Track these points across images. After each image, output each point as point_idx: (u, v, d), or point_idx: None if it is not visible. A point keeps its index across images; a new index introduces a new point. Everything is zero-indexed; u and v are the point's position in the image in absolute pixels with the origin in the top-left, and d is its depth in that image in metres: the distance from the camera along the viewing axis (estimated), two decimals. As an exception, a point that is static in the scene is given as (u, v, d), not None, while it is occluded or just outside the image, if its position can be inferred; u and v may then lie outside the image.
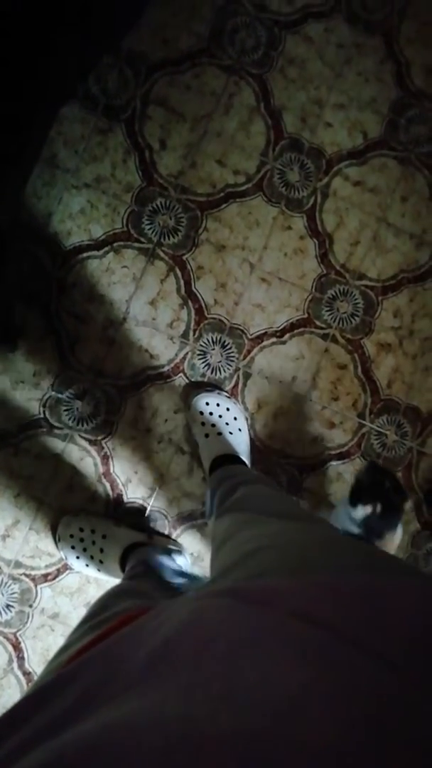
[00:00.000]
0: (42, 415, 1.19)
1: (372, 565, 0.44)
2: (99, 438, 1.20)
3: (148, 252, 1.20)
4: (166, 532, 1.21)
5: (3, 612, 1.20)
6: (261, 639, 0.27)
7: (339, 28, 1.24)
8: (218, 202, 1.22)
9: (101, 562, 1.12)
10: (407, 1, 1.26)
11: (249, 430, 1.20)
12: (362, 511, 0.98)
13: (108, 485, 1.20)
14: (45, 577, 1.20)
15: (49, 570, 1.20)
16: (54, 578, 1.20)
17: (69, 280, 1.18)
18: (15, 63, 0.73)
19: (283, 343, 1.23)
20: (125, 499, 1.20)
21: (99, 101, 1.19)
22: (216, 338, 1.22)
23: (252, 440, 1.20)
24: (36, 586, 1.20)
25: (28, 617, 1.21)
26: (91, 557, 1.14)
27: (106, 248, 1.19)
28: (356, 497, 0.98)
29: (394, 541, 1.04)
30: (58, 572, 1.20)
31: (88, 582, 1.21)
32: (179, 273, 1.21)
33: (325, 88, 1.23)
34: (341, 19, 1.24)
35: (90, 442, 1.20)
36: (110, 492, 1.20)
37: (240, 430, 1.16)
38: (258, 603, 0.31)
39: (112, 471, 1.20)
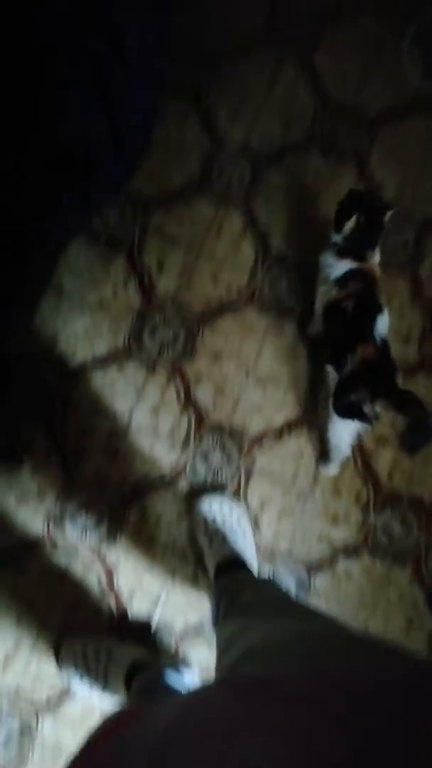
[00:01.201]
0: (46, 531, 1.21)
1: (364, 653, 0.46)
2: (103, 550, 1.21)
3: (149, 364, 1.28)
4: (173, 646, 1.18)
5: (2, 746, 1.14)
6: (251, 729, 0.29)
7: (313, 156, 1.40)
8: (213, 314, 1.32)
9: (105, 681, 1.08)
10: (376, 132, 1.42)
11: (253, 532, 1.20)
12: (348, 226, 1.09)
13: (112, 599, 1.20)
14: (47, 705, 1.16)
15: (51, 697, 1.16)
16: (56, 706, 1.16)
17: (74, 397, 1.26)
18: (24, 227, 0.85)
19: (282, 441, 1.27)
20: (130, 613, 1.19)
21: (101, 233, 1.33)
22: (216, 441, 1.26)
23: (257, 542, 1.21)
24: (37, 715, 1.15)
25: (28, 750, 1.14)
26: (95, 676, 1.09)
27: (109, 364, 1.28)
28: (339, 219, 1.11)
29: (375, 259, 1.14)
30: (60, 700, 1.16)
31: (91, 712, 1.16)
32: (179, 381, 1.28)
33: (306, 209, 1.37)
34: (317, 149, 1.40)
35: (94, 554, 1.21)
36: (115, 606, 1.20)
37: (244, 532, 1.17)
38: (248, 693, 0.33)
39: (116, 583, 1.20)
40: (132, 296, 1.31)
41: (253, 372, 1.29)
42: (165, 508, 1.22)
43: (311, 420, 1.27)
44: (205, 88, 1.44)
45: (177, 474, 1.24)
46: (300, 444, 1.26)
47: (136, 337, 1.29)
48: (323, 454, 1.24)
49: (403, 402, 0.95)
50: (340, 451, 1.18)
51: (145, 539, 1.21)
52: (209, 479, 1.24)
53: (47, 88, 0.89)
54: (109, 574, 1.20)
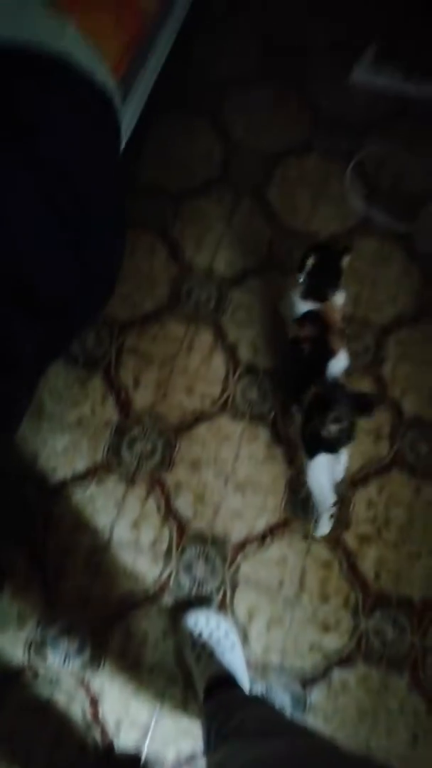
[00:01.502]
0: (27, 659, 1.16)
1: None
2: (86, 677, 1.16)
3: (128, 477, 1.31)
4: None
5: None
6: None
7: (274, 279, 1.53)
8: (189, 424, 1.37)
9: None
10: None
11: (242, 645, 1.17)
12: (308, 263, 1.22)
13: (98, 731, 1.13)
14: None
15: None
16: None
17: (54, 514, 1.27)
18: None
19: (266, 547, 1.26)
20: (117, 745, 1.12)
21: (79, 357, 1.41)
22: (199, 551, 1.26)
23: (247, 656, 1.17)
24: None
25: None
26: None
27: (89, 479, 1.30)
28: (301, 261, 1.24)
29: (338, 301, 1.25)
30: None
31: None
32: (158, 492, 1.30)
33: (269, 324, 1.47)
34: (276, 272, 1.53)
35: (77, 682, 1.16)
36: (100, 739, 1.12)
37: (233, 647, 1.14)
38: None
39: (101, 713, 1.14)
40: (110, 412, 1.36)
41: (231, 478, 1.32)
42: (150, 625, 1.19)
43: (292, 522, 1.28)
44: (170, 221, 1.61)
45: (161, 588, 1.22)
46: (283, 548, 1.26)
47: (114, 451, 1.33)
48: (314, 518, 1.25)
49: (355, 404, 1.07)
50: (324, 500, 1.19)
51: (130, 662, 1.16)
52: (194, 592, 1.22)
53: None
54: (94, 704, 1.14)
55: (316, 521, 1.25)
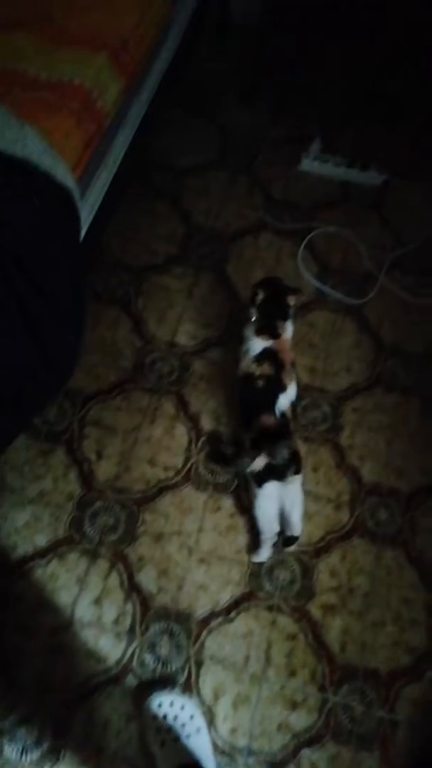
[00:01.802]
0: (-19, 753, 1.09)
1: None
2: (46, 770, 1.09)
3: (90, 552, 1.29)
4: None
5: None
6: None
7: (235, 350, 1.59)
8: (152, 496, 1.37)
9: None
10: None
11: (208, 727, 1.13)
12: (258, 298, 1.39)
13: None
14: None
15: None
16: None
17: (14, 593, 1.22)
18: None
19: (231, 621, 1.25)
20: None
21: (41, 430, 1.41)
22: (163, 627, 1.23)
23: (213, 738, 1.12)
24: None
25: None
26: None
27: (50, 555, 1.27)
28: (252, 297, 1.40)
29: (287, 334, 1.36)
30: None
31: None
32: (121, 567, 1.28)
33: (230, 393, 1.52)
34: (235, 343, 1.59)
35: (35, 776, 1.08)
36: None
37: (198, 730, 1.10)
38: None
39: None
40: (72, 485, 1.36)
41: (195, 550, 1.31)
42: (112, 709, 1.14)
43: (257, 593, 1.28)
44: (133, 296, 1.67)
45: (124, 668, 1.18)
46: (248, 621, 1.24)
47: (76, 525, 1.31)
48: (254, 542, 1.30)
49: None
50: (269, 530, 1.24)
51: (92, 751, 1.10)
52: (158, 671, 1.18)
53: None
54: (52, 804, 1.07)
55: (257, 548, 1.28)
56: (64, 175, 1.09)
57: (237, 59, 2.38)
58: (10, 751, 1.09)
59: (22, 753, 1.09)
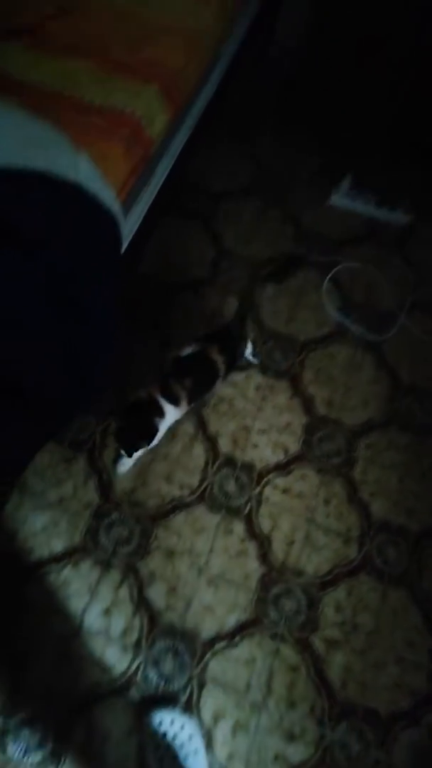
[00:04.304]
0: (-16, 753, 1.10)
1: None
2: (44, 778, 1.09)
3: (104, 563, 1.30)
4: None
5: None
6: None
7: (255, 375, 1.62)
8: (167, 513, 1.39)
9: None
10: (305, 355, 1.69)
11: (206, 750, 1.13)
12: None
13: None
14: None
15: None
16: None
17: (27, 595, 1.23)
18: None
19: (235, 645, 1.26)
20: None
21: (65, 437, 1.43)
22: (169, 645, 1.24)
23: (210, 762, 1.13)
24: None
25: None
26: None
27: (65, 561, 1.29)
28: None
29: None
30: None
31: None
32: (132, 580, 1.29)
33: (250, 418, 1.54)
34: (256, 368, 1.62)
35: (34, 782, 1.09)
36: None
37: (196, 752, 1.10)
38: None
39: None
40: (91, 494, 1.37)
41: (205, 571, 1.33)
42: (114, 721, 1.14)
43: (262, 620, 1.29)
44: (161, 314, 1.70)
45: (128, 681, 1.19)
46: (252, 648, 1.25)
47: (92, 534, 1.33)
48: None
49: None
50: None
51: (91, 760, 1.10)
52: (161, 688, 1.19)
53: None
54: (48, 810, 1.07)
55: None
56: (110, 200, 1.13)
57: (276, 90, 2.45)
58: (13, 750, 1.10)
59: (24, 753, 1.09)
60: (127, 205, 1.31)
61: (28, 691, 1.15)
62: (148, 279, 1.78)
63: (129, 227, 1.38)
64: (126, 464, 1.38)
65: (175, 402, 1.28)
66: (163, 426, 1.27)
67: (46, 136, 1.00)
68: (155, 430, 1.25)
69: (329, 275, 1.89)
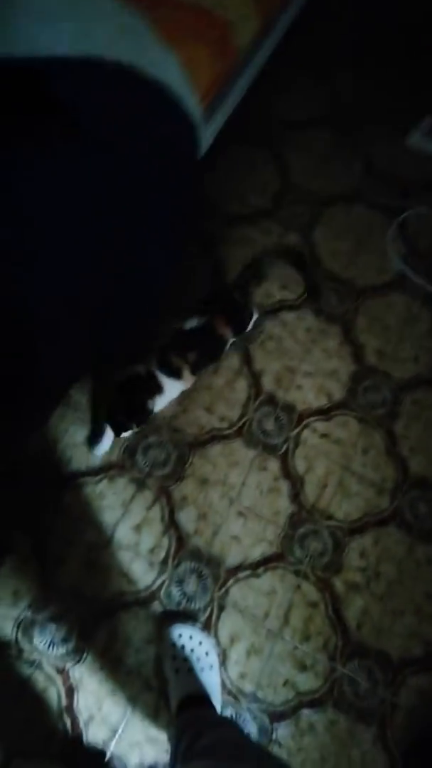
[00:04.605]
0: (14, 637, 1.17)
1: None
2: (67, 666, 1.16)
3: (139, 481, 1.33)
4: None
5: None
6: None
7: (307, 317, 1.57)
8: (204, 442, 1.39)
9: None
10: (361, 301, 1.63)
11: (220, 668, 1.18)
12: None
13: (69, 721, 1.13)
14: None
15: None
16: None
17: (63, 503, 1.28)
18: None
19: (258, 576, 1.28)
20: (85, 739, 1.12)
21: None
22: (193, 567, 1.27)
23: (223, 678, 1.18)
24: None
25: None
26: None
27: (101, 475, 1.32)
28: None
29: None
30: None
31: None
32: (164, 502, 1.32)
33: (297, 359, 1.51)
34: (309, 310, 1.58)
35: (57, 670, 1.16)
36: (70, 729, 1.13)
37: (211, 667, 1.15)
38: None
39: (75, 705, 1.14)
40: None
41: (236, 502, 1.34)
42: (135, 629, 1.20)
43: (287, 556, 1.30)
44: (218, 242, 1.65)
45: (151, 595, 1.23)
46: (274, 581, 1.28)
47: (130, 453, 1.35)
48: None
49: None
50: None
51: (111, 660, 1.17)
52: (183, 606, 1.23)
53: None
54: (70, 694, 1.15)
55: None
56: (194, 105, 1.07)
57: (352, 19, 2.25)
58: (39, 641, 1.17)
59: (49, 646, 1.16)
60: (207, 116, 1.24)
61: (57, 590, 1.20)
62: (208, 203, 1.72)
63: (205, 141, 1.32)
64: (105, 445, 1.31)
65: (176, 375, 1.26)
66: (162, 402, 1.27)
67: (137, 28, 0.94)
68: (149, 412, 1.24)
69: (397, 220, 1.79)
